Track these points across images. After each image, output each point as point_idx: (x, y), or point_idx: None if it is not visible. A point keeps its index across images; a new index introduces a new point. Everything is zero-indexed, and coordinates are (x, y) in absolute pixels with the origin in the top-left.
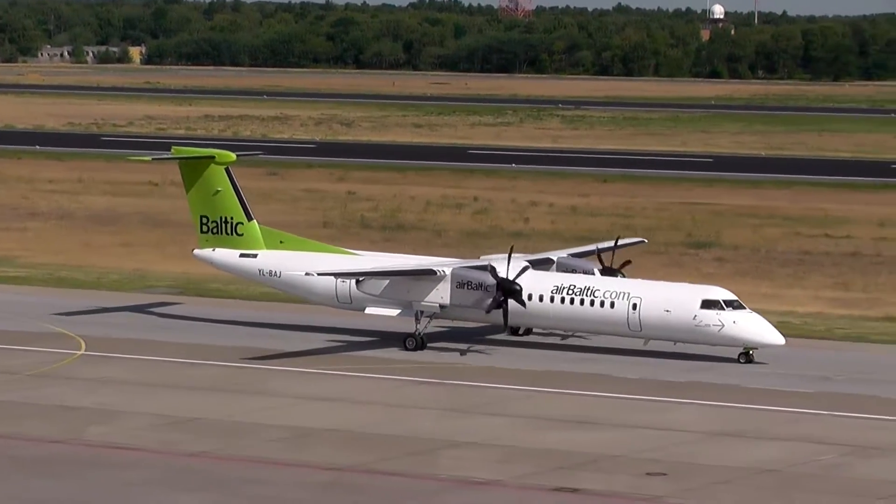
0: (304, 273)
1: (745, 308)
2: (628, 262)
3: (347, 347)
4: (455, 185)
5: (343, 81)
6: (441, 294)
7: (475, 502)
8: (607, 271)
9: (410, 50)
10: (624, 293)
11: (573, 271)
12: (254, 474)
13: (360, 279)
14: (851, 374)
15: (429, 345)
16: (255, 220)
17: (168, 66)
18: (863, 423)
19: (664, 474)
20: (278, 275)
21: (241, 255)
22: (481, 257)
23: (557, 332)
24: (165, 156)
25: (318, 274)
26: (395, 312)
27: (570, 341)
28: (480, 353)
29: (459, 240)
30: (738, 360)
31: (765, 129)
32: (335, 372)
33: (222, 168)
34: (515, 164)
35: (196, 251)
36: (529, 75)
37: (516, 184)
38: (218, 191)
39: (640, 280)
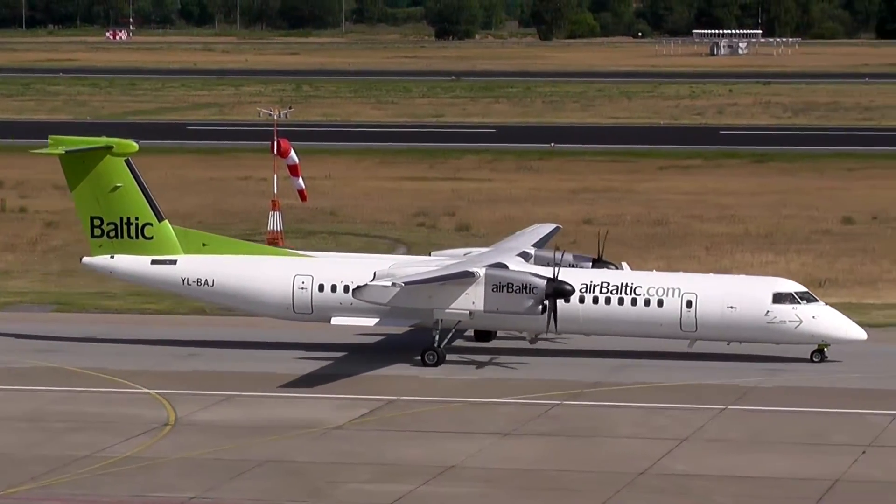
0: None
1: (818, 300)
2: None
3: None
4: None
5: None
6: (472, 299)
7: None
8: (599, 263)
9: None
10: (674, 289)
11: (556, 265)
12: None
13: (360, 286)
14: None
15: None
16: (167, 221)
17: None
18: None
19: None
20: (210, 283)
21: (154, 262)
22: (432, 253)
23: (577, 335)
24: (72, 148)
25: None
26: (371, 322)
27: None
28: None
29: None
30: (811, 360)
31: None
32: None
33: (121, 160)
34: None
35: (86, 259)
36: None
37: None
38: (117, 187)
39: (680, 273)
